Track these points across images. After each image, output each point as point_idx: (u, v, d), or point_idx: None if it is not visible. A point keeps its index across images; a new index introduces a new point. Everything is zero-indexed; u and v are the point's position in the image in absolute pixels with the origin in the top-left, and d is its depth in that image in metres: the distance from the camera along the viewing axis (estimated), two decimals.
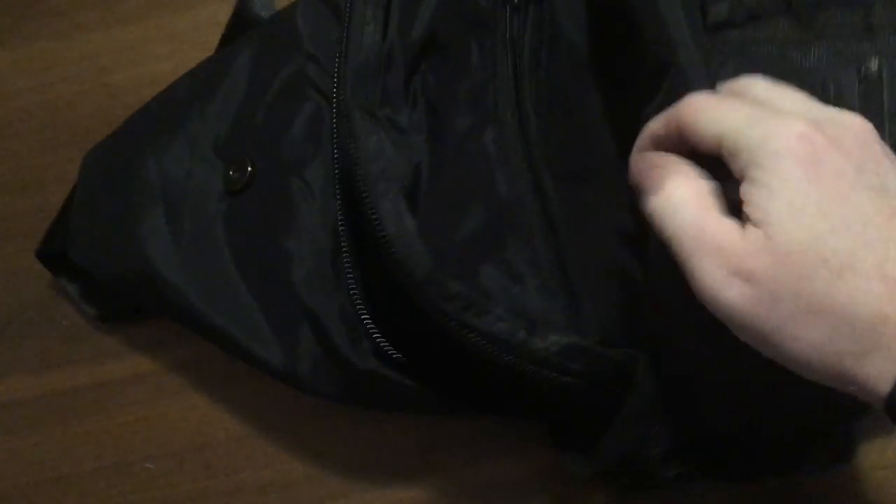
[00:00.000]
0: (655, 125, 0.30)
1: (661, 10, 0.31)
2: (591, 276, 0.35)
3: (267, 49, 0.45)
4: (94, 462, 0.46)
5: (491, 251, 0.35)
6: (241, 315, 0.41)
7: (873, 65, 0.35)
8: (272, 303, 0.41)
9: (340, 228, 0.39)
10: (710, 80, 0.30)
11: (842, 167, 0.26)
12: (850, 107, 0.35)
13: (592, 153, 0.37)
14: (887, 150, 0.27)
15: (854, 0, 0.35)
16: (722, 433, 0.36)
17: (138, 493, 0.45)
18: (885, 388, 0.25)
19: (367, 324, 0.38)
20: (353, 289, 0.39)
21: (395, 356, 0.38)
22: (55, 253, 0.47)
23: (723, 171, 0.28)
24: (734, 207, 0.27)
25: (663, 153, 0.30)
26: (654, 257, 0.31)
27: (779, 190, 0.26)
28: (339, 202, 0.39)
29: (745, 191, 0.26)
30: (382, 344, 0.38)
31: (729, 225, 0.27)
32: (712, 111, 0.28)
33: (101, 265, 0.45)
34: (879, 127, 0.35)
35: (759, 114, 0.27)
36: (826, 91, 0.36)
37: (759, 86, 0.29)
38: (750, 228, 0.26)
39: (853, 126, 0.27)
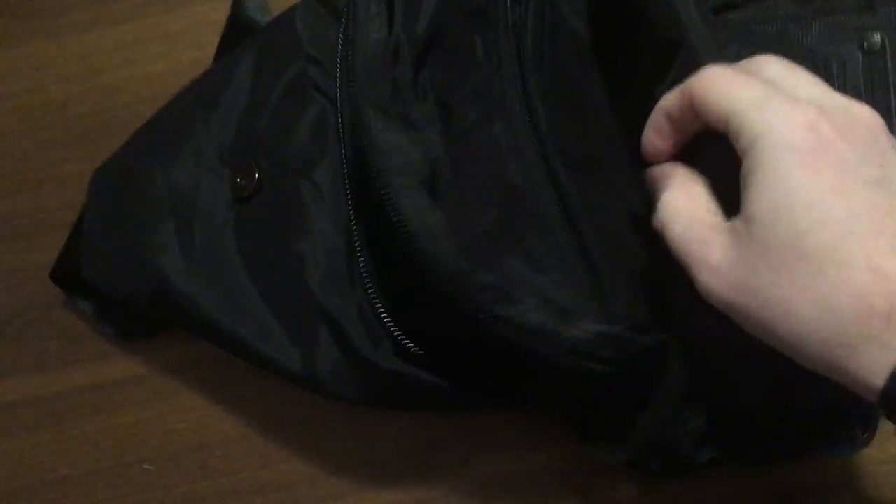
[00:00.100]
0: (668, 100, 0.31)
1: None
2: (614, 263, 0.35)
3: (267, 55, 0.44)
4: (92, 463, 0.46)
5: (512, 243, 0.35)
6: (257, 322, 0.41)
7: (875, 38, 0.35)
8: (288, 307, 0.40)
9: (353, 228, 0.39)
10: (721, 59, 0.30)
11: (845, 157, 0.26)
12: (854, 81, 0.36)
13: (601, 140, 0.37)
14: (895, 143, 0.28)
15: None
16: (754, 417, 0.36)
17: (136, 494, 0.46)
18: (877, 381, 0.25)
19: (387, 322, 0.38)
20: (370, 288, 0.38)
21: (416, 354, 0.38)
22: (68, 273, 0.47)
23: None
24: (735, 191, 0.28)
25: (666, 164, 0.31)
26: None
27: (768, 185, 0.26)
28: (349, 202, 0.39)
29: (742, 176, 0.27)
30: (404, 341, 0.38)
31: (714, 228, 0.28)
32: (725, 86, 0.28)
33: (115, 283, 0.44)
34: (885, 99, 0.36)
35: (770, 97, 0.27)
36: (829, 68, 0.36)
37: (773, 67, 0.29)
38: (735, 223, 0.28)
39: (862, 117, 0.27)
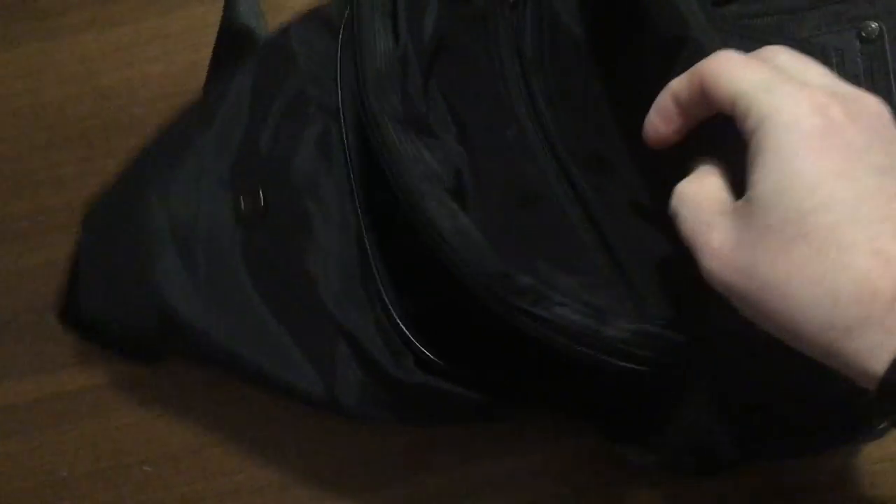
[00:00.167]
0: (677, 83, 0.30)
1: None
2: (640, 261, 0.35)
3: (264, 76, 0.44)
4: (91, 465, 0.46)
5: (540, 245, 0.35)
6: (271, 347, 0.40)
7: (873, 27, 0.35)
8: (303, 328, 0.40)
9: (366, 241, 0.39)
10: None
11: (852, 142, 0.26)
12: (854, 70, 0.36)
13: (606, 139, 0.37)
14: None
15: None
16: (785, 411, 0.36)
17: (135, 495, 0.46)
18: (877, 366, 0.25)
19: (408, 334, 0.38)
20: (387, 300, 0.38)
21: (442, 366, 0.37)
22: (76, 315, 0.46)
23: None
24: (740, 176, 0.28)
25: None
26: None
27: (773, 166, 0.26)
28: (360, 215, 0.39)
29: (748, 159, 0.27)
30: (427, 353, 0.37)
31: (719, 212, 0.28)
32: (735, 68, 0.28)
33: (119, 319, 0.43)
34: (886, 86, 0.35)
35: (780, 80, 0.27)
36: (828, 58, 0.36)
37: (782, 55, 0.29)
38: (739, 205, 0.27)
39: (871, 105, 0.27)
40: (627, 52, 0.37)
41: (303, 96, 0.42)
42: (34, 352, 0.48)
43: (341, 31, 0.42)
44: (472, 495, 0.44)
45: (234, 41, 0.48)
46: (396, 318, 0.38)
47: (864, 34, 0.35)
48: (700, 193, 0.29)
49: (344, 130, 0.40)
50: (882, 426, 0.35)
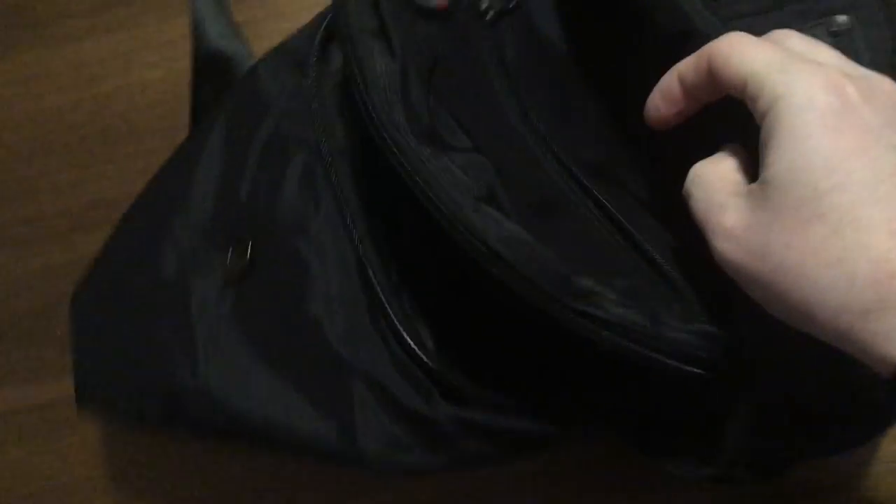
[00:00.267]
0: (684, 65, 0.30)
1: None
2: (675, 261, 0.34)
3: (236, 123, 0.42)
4: (91, 471, 0.46)
5: (577, 251, 0.33)
6: (282, 407, 0.37)
7: (842, 20, 0.35)
8: (313, 378, 0.37)
9: (370, 272, 0.36)
10: None
11: (868, 121, 0.26)
12: None
13: (604, 149, 0.37)
14: None
15: None
16: (830, 408, 0.34)
17: (136, 502, 0.45)
18: (894, 350, 0.24)
19: (429, 363, 0.35)
20: (401, 330, 0.35)
21: (472, 394, 0.35)
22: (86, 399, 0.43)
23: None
24: (754, 159, 0.28)
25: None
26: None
27: (788, 146, 0.26)
28: (360, 245, 0.37)
29: (762, 140, 0.27)
30: (453, 381, 0.35)
31: (733, 193, 0.28)
32: (746, 49, 0.28)
33: (121, 403, 0.41)
34: None
35: (792, 59, 0.27)
36: None
37: (793, 38, 0.29)
38: (753, 187, 0.27)
39: (885, 85, 0.27)
40: (616, 59, 0.37)
41: (279, 136, 0.40)
42: (34, 358, 0.48)
43: (312, 63, 0.41)
44: (469, 495, 0.44)
45: (207, 69, 0.46)
46: (414, 347, 0.35)
47: (833, 28, 0.35)
48: (714, 174, 0.29)
49: (328, 161, 0.38)
50: None
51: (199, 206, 0.41)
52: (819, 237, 0.25)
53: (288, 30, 0.43)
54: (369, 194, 0.38)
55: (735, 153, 0.29)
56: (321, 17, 0.42)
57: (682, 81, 0.30)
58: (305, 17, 0.41)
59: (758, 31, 0.35)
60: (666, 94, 0.31)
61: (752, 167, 0.28)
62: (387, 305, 0.36)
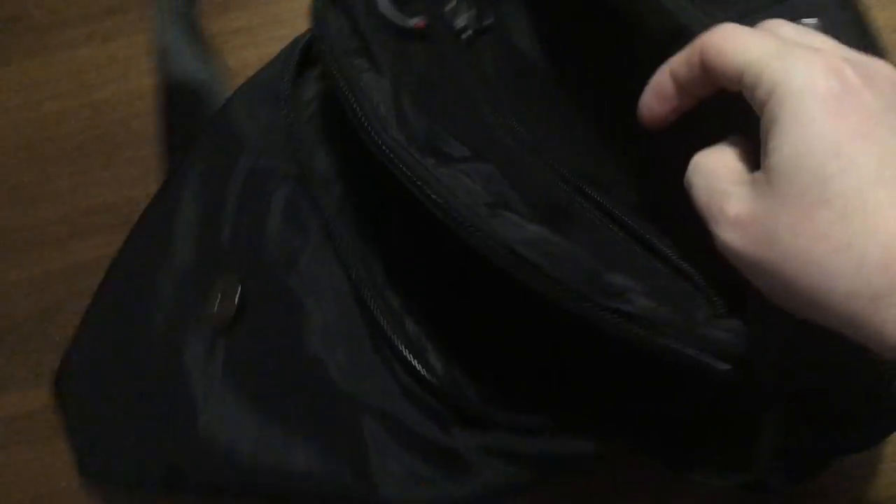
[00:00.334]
0: (676, 61, 0.29)
1: None
2: (690, 260, 0.32)
3: (211, 165, 0.41)
4: None
5: (594, 252, 0.32)
6: (291, 457, 0.35)
7: (810, 24, 0.34)
8: (320, 421, 0.35)
9: (368, 300, 0.35)
10: None
11: (870, 105, 0.25)
12: None
13: (594, 160, 0.37)
14: None
15: None
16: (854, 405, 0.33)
17: None
18: None
19: (442, 389, 0.33)
20: (408, 357, 0.34)
21: (492, 415, 0.33)
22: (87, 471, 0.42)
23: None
24: (755, 150, 0.27)
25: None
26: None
27: (790, 132, 0.25)
28: (355, 273, 0.36)
29: (763, 129, 0.26)
30: (472, 401, 0.33)
31: (736, 182, 0.27)
32: (741, 39, 0.27)
33: (123, 474, 0.40)
34: None
35: (789, 46, 0.26)
36: None
37: (786, 27, 0.28)
38: (756, 175, 0.26)
39: (884, 69, 0.27)
40: (597, 67, 0.36)
41: (258, 173, 0.39)
42: (32, 363, 0.48)
43: (287, 95, 0.40)
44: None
45: (179, 100, 0.45)
46: (423, 372, 0.33)
47: None
48: (716, 163, 0.28)
49: (313, 191, 0.37)
50: None
51: (180, 256, 0.40)
52: (826, 222, 0.24)
53: (285, 36, 0.43)
54: (361, 219, 0.37)
55: (735, 143, 0.29)
56: (290, 46, 0.41)
57: (674, 77, 0.30)
58: (302, 25, 0.42)
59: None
60: (658, 92, 0.30)
61: (754, 157, 0.27)
62: (390, 333, 0.34)
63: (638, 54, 0.33)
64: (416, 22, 0.36)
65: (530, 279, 0.29)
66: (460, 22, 0.38)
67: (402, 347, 0.34)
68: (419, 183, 0.31)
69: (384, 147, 0.32)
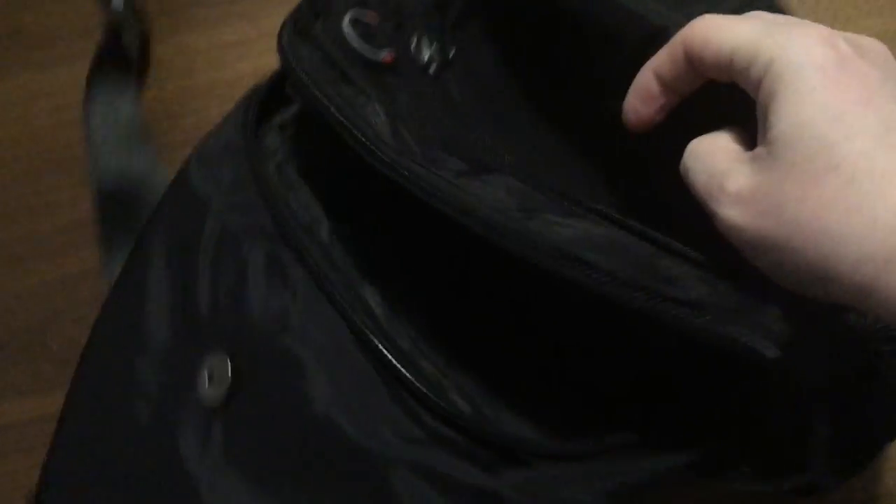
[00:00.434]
0: (657, 60, 0.29)
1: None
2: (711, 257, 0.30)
3: (175, 235, 0.38)
4: None
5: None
6: None
7: None
8: (344, 486, 0.32)
9: (375, 342, 0.32)
10: None
11: (867, 72, 0.25)
12: None
13: (567, 172, 0.37)
14: None
15: None
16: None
17: None
18: None
19: (473, 427, 0.31)
20: (430, 396, 0.31)
21: (539, 446, 0.31)
22: None
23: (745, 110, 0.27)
24: (749, 135, 0.27)
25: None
26: None
27: (791, 104, 0.25)
28: (355, 314, 0.33)
29: (761, 107, 0.26)
30: (511, 440, 0.31)
31: (735, 159, 0.27)
32: (724, 27, 0.27)
33: None
34: None
35: (776, 24, 0.26)
36: None
37: (765, 13, 0.28)
38: (757, 150, 0.26)
39: (873, 43, 0.27)
40: (565, 84, 0.36)
41: (228, 234, 0.36)
42: (30, 372, 0.49)
43: (252, 146, 0.38)
44: None
45: (113, 204, 0.44)
46: (449, 411, 0.31)
47: None
48: (714, 146, 0.28)
49: (296, 241, 0.35)
50: None
51: (156, 339, 0.36)
52: (834, 188, 0.24)
53: None
54: (354, 258, 0.36)
55: (728, 129, 0.28)
56: (242, 103, 0.40)
57: (658, 77, 0.30)
58: None
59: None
60: (642, 94, 0.30)
61: (748, 140, 0.27)
62: (405, 376, 0.32)
63: (612, 63, 0.33)
64: (384, 56, 0.35)
65: (583, 277, 0.27)
66: (425, 56, 0.38)
67: (422, 388, 0.31)
68: (443, 196, 0.29)
69: (398, 167, 0.30)
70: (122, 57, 0.48)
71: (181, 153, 0.50)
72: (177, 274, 0.37)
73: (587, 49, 0.35)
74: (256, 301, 0.35)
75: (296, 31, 0.35)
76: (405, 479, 0.31)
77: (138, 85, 0.50)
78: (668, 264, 0.27)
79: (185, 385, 0.35)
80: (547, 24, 0.36)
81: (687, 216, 0.28)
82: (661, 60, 0.29)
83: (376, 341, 0.32)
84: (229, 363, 0.34)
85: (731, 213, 0.26)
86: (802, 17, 0.29)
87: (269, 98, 0.39)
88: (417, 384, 0.31)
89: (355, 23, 0.35)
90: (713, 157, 0.27)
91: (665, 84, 0.30)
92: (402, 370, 0.32)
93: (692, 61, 0.28)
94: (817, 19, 0.28)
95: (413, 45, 0.37)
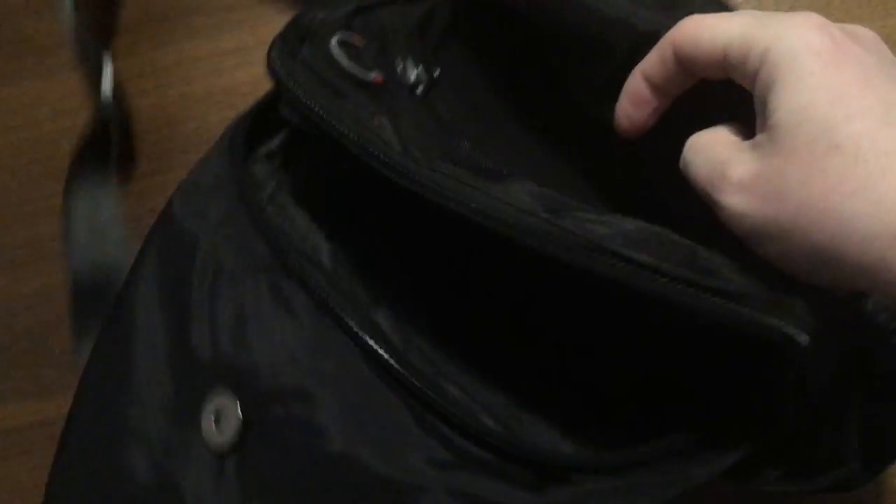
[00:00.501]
0: (646, 63, 0.29)
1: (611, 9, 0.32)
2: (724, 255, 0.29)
3: (164, 280, 0.36)
4: None
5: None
6: None
7: None
8: None
9: (398, 368, 0.31)
10: None
11: (863, 56, 0.25)
12: None
13: (559, 182, 0.36)
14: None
15: None
16: None
17: None
18: None
19: (509, 446, 0.30)
20: (465, 420, 0.30)
21: (578, 465, 0.30)
22: None
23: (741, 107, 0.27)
24: (746, 129, 0.27)
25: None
26: None
27: (790, 90, 0.25)
28: (372, 340, 0.32)
29: (759, 96, 0.26)
30: (552, 456, 0.30)
31: (735, 149, 0.27)
32: (714, 24, 0.27)
33: None
34: None
35: (767, 16, 0.26)
36: None
37: (754, 11, 0.28)
38: (758, 138, 0.26)
39: (863, 30, 0.27)
40: (555, 98, 0.36)
41: (222, 269, 0.35)
42: (32, 376, 0.49)
43: (243, 180, 0.37)
44: None
45: (87, 292, 0.43)
46: (480, 432, 0.30)
47: None
48: (713, 138, 0.28)
49: (294, 268, 0.33)
50: None
51: (151, 383, 0.35)
52: (838, 167, 0.24)
53: None
54: (363, 281, 0.35)
55: (725, 124, 0.28)
56: (229, 132, 0.39)
57: (648, 80, 0.30)
58: None
59: None
60: (634, 98, 0.30)
61: (747, 135, 0.27)
62: (431, 395, 0.30)
63: (602, 70, 0.33)
64: (374, 76, 0.35)
65: (626, 274, 0.26)
66: (412, 77, 0.37)
67: (453, 409, 0.30)
68: (471, 203, 0.28)
69: (415, 175, 0.29)
70: (106, 149, 0.48)
71: (181, 159, 0.52)
72: (168, 316, 0.35)
73: (575, 58, 0.35)
74: (260, 336, 0.33)
75: (284, 52, 0.34)
76: None
77: (119, 178, 0.50)
78: (705, 256, 0.27)
79: (187, 428, 0.33)
80: (530, 38, 0.37)
81: (685, 221, 0.28)
82: (651, 63, 0.29)
83: (396, 365, 0.31)
84: (238, 402, 0.32)
85: (735, 200, 0.26)
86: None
87: (253, 127, 0.38)
88: (444, 405, 0.30)
89: (342, 44, 0.35)
90: (713, 148, 0.27)
91: (656, 87, 0.30)
92: (428, 392, 0.30)
93: (682, 62, 0.28)
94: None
95: (399, 68, 0.36)
